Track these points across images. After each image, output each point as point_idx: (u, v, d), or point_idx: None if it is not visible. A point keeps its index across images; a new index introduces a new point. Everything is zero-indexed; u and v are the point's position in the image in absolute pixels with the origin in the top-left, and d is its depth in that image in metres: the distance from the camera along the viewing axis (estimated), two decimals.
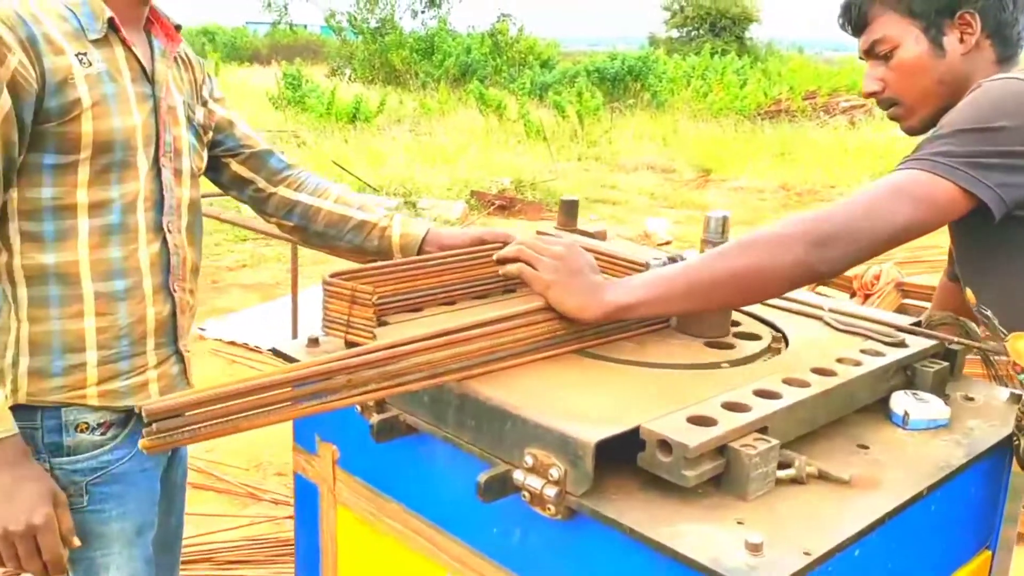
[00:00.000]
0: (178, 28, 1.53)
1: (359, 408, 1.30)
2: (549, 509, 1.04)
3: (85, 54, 1.36)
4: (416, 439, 1.26)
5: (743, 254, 1.22)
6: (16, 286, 1.38)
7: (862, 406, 1.28)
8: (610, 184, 10.96)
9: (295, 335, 3.78)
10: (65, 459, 1.42)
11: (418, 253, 1.64)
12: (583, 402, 1.13)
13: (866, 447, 1.20)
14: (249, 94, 15.57)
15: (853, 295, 3.99)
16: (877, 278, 3.92)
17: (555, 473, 1.04)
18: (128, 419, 1.48)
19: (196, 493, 3.23)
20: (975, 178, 1.25)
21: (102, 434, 1.44)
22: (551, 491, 1.04)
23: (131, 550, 1.49)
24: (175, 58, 1.53)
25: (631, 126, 15.03)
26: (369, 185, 9.21)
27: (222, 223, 5.52)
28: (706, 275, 1.23)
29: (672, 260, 1.42)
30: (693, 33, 34.10)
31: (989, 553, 1.37)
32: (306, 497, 1.49)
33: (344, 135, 12.02)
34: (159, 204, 1.47)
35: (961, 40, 1.45)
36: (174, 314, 1.52)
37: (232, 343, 5.08)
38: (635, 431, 1.05)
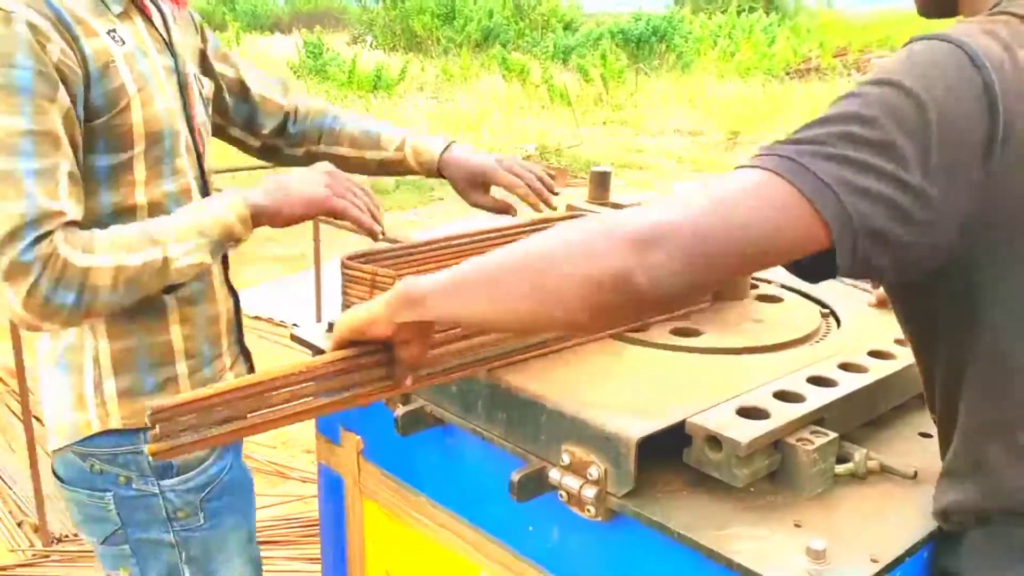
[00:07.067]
0: None
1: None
2: (588, 511, 0.97)
3: (114, 31, 1.17)
4: (444, 430, 1.20)
5: (544, 241, 0.82)
6: None
7: None
8: (636, 148, 10.78)
9: (319, 313, 3.72)
10: (176, 480, 1.31)
11: (439, 175, 1.56)
12: (622, 393, 1.05)
13: (929, 435, 1.11)
14: (271, 63, 15.47)
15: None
16: None
17: (594, 472, 0.96)
18: None
19: None
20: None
21: None
22: (590, 491, 0.96)
23: (244, 556, 1.43)
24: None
25: (657, 88, 14.76)
26: None
27: None
28: (493, 262, 0.84)
29: None
30: None
31: None
32: (331, 488, 1.44)
33: (366, 103, 11.92)
34: (204, 191, 1.34)
35: None
36: (238, 309, 1.43)
37: (257, 318, 5.04)
38: (680, 425, 0.97)
